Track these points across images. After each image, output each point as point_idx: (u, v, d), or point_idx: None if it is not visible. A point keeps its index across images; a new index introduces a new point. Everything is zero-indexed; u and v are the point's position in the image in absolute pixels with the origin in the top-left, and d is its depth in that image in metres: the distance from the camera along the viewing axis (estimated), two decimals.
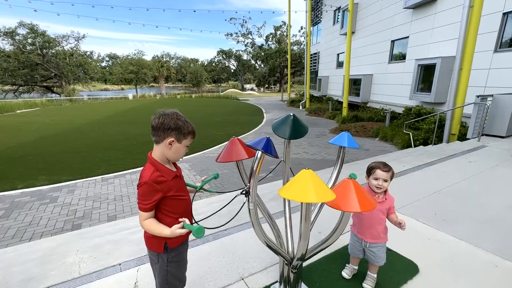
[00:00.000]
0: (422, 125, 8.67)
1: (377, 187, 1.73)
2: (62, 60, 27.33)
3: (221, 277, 1.98)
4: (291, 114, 1.72)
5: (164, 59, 47.32)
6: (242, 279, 1.98)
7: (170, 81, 59.12)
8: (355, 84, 14.76)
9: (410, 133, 8.43)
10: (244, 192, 1.48)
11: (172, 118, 1.32)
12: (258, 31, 43.93)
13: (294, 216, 1.85)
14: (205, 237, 2.50)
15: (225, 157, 1.73)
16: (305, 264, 2.14)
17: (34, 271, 1.99)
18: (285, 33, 38.74)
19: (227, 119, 15.02)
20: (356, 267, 2.02)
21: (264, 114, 17.55)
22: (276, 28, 39.61)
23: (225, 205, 1.81)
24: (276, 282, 1.94)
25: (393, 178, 1.76)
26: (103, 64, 48.34)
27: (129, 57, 36.27)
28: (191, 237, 2.44)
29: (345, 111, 13.22)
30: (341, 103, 14.99)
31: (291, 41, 38.22)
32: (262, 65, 44.95)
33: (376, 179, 1.72)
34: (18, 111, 17.35)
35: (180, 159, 1.47)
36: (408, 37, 11.12)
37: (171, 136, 1.32)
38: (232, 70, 51.77)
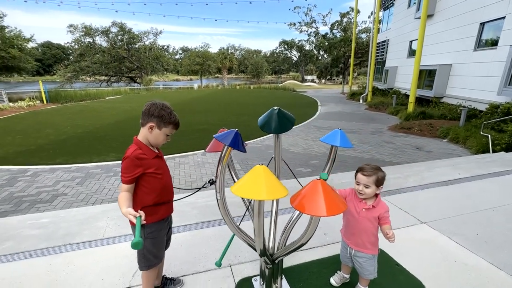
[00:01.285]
0: (509, 126, 7.11)
1: (359, 193, 1.57)
2: (143, 54, 31.34)
3: (211, 261, 2.11)
4: (275, 108, 1.69)
5: (229, 51, 49.49)
6: (230, 266, 2.07)
7: (233, 72, 61.79)
8: (428, 76, 12.87)
9: (489, 136, 7.01)
10: (210, 181, 1.55)
11: (157, 107, 1.52)
12: (323, 19, 41.78)
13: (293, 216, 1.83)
14: (209, 222, 2.66)
15: (213, 147, 1.82)
16: (295, 263, 2.11)
17: (73, 229, 2.47)
18: (352, 20, 35.94)
19: None
20: (347, 276, 1.89)
21: (319, 107, 16.89)
22: (342, 15, 36.95)
23: (191, 194, 1.91)
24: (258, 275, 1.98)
25: (382, 184, 1.56)
26: (177, 56, 53.51)
27: (196, 49, 39.36)
28: (186, 220, 2.61)
29: (411, 106, 11.72)
30: (408, 97, 13.34)
31: (359, 28, 35.23)
32: (325, 55, 42.87)
33: (358, 183, 1.57)
34: (107, 98, 20.77)
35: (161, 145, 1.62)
36: (504, 17, 9.07)
37: (152, 122, 1.52)
38: (293, 61, 50.88)
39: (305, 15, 40.39)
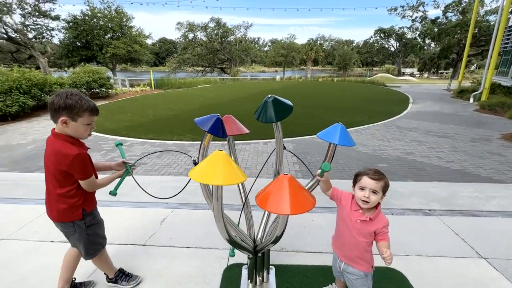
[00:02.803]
0: None
1: (363, 201, 1.34)
2: (233, 46, 33.85)
3: (216, 241, 2.22)
4: (269, 96, 1.61)
5: (318, 42, 47.80)
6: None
7: (319, 64, 59.57)
8: None
9: None
10: (193, 161, 1.61)
11: (61, 98, 1.33)
12: (434, 1, 35.00)
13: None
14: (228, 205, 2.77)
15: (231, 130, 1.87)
16: (292, 263, 1.99)
17: (125, 191, 3.01)
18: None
19: (359, 105, 13.73)
20: None
21: (410, 104, 14.59)
22: None
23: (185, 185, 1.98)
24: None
25: (387, 191, 1.30)
26: (266, 48, 55.32)
27: (282, 41, 39.71)
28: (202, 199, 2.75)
29: None
30: None
31: (487, 9, 27.99)
32: (432, 44, 36.12)
33: (362, 189, 1.34)
34: (199, 86, 23.53)
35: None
36: None
37: (63, 116, 1.34)
38: (390, 52, 44.98)
39: None
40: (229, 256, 2.03)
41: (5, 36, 21.85)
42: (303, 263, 1.98)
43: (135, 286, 1.84)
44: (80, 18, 22.98)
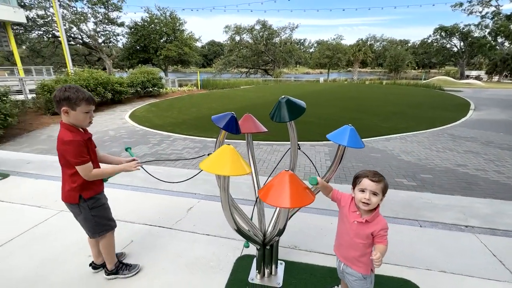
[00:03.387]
0: None
1: (363, 203, 1.35)
2: (278, 48, 34.04)
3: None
4: (283, 97, 1.69)
5: (368, 43, 45.29)
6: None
7: (368, 65, 56.45)
8: None
9: None
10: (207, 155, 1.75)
11: (61, 91, 1.54)
12: None
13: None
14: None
15: (241, 129, 2.02)
16: (303, 261, 2.03)
17: None
18: None
19: (407, 111, 12.73)
20: None
21: (471, 111, 13.05)
22: None
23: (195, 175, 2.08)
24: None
25: (386, 192, 1.29)
26: (311, 50, 54.40)
27: (328, 42, 38.51)
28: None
29: None
30: None
31: None
32: (506, 44, 31.50)
33: (363, 191, 1.35)
34: (242, 87, 24.23)
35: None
36: None
37: (64, 106, 1.54)
38: (452, 52, 40.44)
39: None
40: (244, 246, 2.14)
41: (80, 41, 25.30)
42: (314, 262, 2.01)
43: (135, 274, 1.92)
44: (140, 24, 25.51)
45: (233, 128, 1.71)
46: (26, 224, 2.53)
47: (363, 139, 8.59)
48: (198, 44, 33.37)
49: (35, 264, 2.04)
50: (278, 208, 1.88)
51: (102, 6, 24.02)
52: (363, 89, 23.19)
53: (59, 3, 20.93)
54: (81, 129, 1.65)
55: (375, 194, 1.30)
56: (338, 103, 15.16)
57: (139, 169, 1.76)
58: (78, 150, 1.53)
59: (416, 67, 49.12)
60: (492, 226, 2.48)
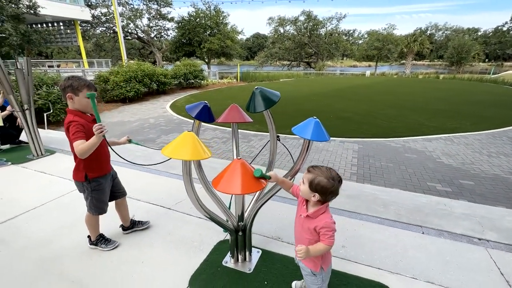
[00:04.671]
0: None
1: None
2: (322, 40, 32.68)
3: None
4: (257, 87, 1.70)
5: (428, 32, 40.79)
6: None
7: (426, 58, 51.06)
8: None
9: None
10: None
11: (65, 80, 1.77)
12: None
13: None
14: None
15: (224, 118, 2.10)
16: (282, 252, 2.04)
17: (173, 164, 3.59)
18: None
19: (461, 109, 11.31)
20: None
21: None
22: None
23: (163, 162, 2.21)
24: None
25: (319, 192, 1.25)
26: (360, 41, 51.06)
27: (377, 32, 35.42)
28: None
29: None
30: None
31: None
32: None
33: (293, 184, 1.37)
34: (281, 80, 24.03)
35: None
36: None
37: (68, 92, 1.74)
38: None
39: None
40: (223, 231, 2.25)
41: (136, 36, 27.64)
42: (291, 255, 2.00)
43: (112, 249, 2.12)
44: (187, 19, 26.82)
45: (205, 117, 1.78)
46: (56, 193, 3.00)
47: (401, 138, 7.97)
48: (242, 37, 33.85)
49: (55, 227, 2.42)
50: (254, 198, 1.91)
51: (155, 3, 25.83)
52: (414, 84, 21.11)
53: (118, 1, 23.10)
54: (88, 114, 1.83)
55: (303, 181, 1.30)
56: (380, 98, 14.10)
57: (102, 132, 1.68)
58: (74, 129, 1.67)
59: (486, 60, 42.70)
60: None
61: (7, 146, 4.58)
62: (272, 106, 1.68)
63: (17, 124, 4.44)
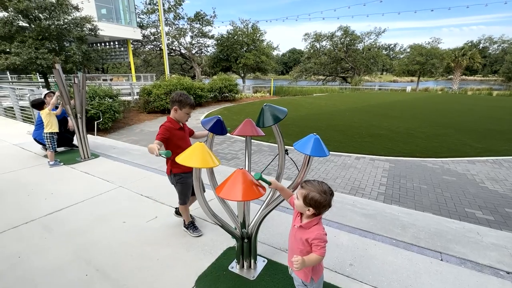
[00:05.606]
0: None
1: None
2: (359, 54, 31.98)
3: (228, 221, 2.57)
4: (266, 104, 1.83)
5: (481, 45, 37.67)
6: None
7: (480, 72, 46.92)
8: None
9: None
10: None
11: (177, 94, 2.24)
12: None
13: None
14: None
15: (240, 132, 2.26)
16: (285, 263, 2.07)
17: None
18: None
19: None
20: None
21: None
22: None
23: None
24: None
25: (313, 207, 1.31)
26: (402, 56, 48.93)
27: (420, 46, 33.49)
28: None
29: None
30: None
31: None
32: None
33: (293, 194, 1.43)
34: (314, 95, 23.89)
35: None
36: None
37: (175, 105, 2.24)
38: None
39: None
40: (231, 238, 2.35)
41: (179, 52, 29.90)
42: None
43: (197, 236, 2.48)
44: (226, 36, 28.38)
45: (218, 130, 1.95)
46: (95, 191, 3.41)
47: (439, 159, 7.47)
48: (278, 52, 34.65)
49: (89, 220, 2.77)
50: (261, 207, 2.00)
51: (198, 22, 27.88)
52: (462, 100, 19.47)
53: (165, 21, 25.39)
54: (180, 123, 2.31)
55: (297, 197, 1.36)
56: (421, 115, 13.27)
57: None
58: (162, 130, 2.17)
59: None
60: None
61: (62, 148, 5.29)
62: (279, 121, 1.79)
63: (68, 127, 5.11)
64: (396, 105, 17.28)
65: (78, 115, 4.54)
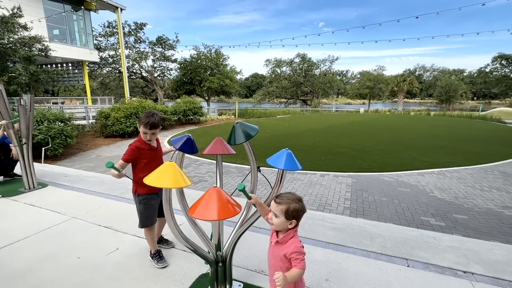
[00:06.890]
0: None
1: (269, 222, 1.41)
2: (317, 79, 34.53)
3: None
4: (237, 122, 1.84)
5: (417, 72, 43.25)
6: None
7: (418, 96, 53.41)
8: None
9: None
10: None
11: (144, 112, 2.18)
12: None
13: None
14: None
15: (211, 150, 2.22)
16: (263, 286, 2.00)
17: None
18: None
19: (454, 144, 11.57)
20: None
21: None
22: None
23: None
24: None
25: (295, 219, 1.31)
26: (353, 81, 53.97)
27: (368, 72, 37.74)
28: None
29: None
30: None
31: None
32: None
33: (271, 211, 1.41)
34: (278, 117, 24.77)
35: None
36: None
37: (138, 123, 2.19)
38: None
39: None
40: (204, 263, 2.22)
41: (140, 75, 29.14)
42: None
43: (162, 268, 2.27)
44: (189, 60, 28.61)
45: (189, 149, 1.90)
46: (43, 225, 2.98)
47: (394, 172, 8.04)
48: (241, 76, 35.83)
49: (37, 258, 2.39)
50: (235, 229, 1.94)
51: (160, 46, 27.78)
52: (406, 120, 21.81)
53: (126, 45, 24.82)
54: (151, 144, 2.21)
55: (275, 215, 1.33)
56: (374, 134, 14.48)
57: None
58: (128, 151, 2.12)
59: (475, 98, 44.68)
60: (498, 276, 2.12)
61: (1, 178, 4.62)
62: (251, 138, 1.80)
63: (11, 156, 4.53)
64: (353, 125, 18.66)
65: (24, 140, 4.06)
